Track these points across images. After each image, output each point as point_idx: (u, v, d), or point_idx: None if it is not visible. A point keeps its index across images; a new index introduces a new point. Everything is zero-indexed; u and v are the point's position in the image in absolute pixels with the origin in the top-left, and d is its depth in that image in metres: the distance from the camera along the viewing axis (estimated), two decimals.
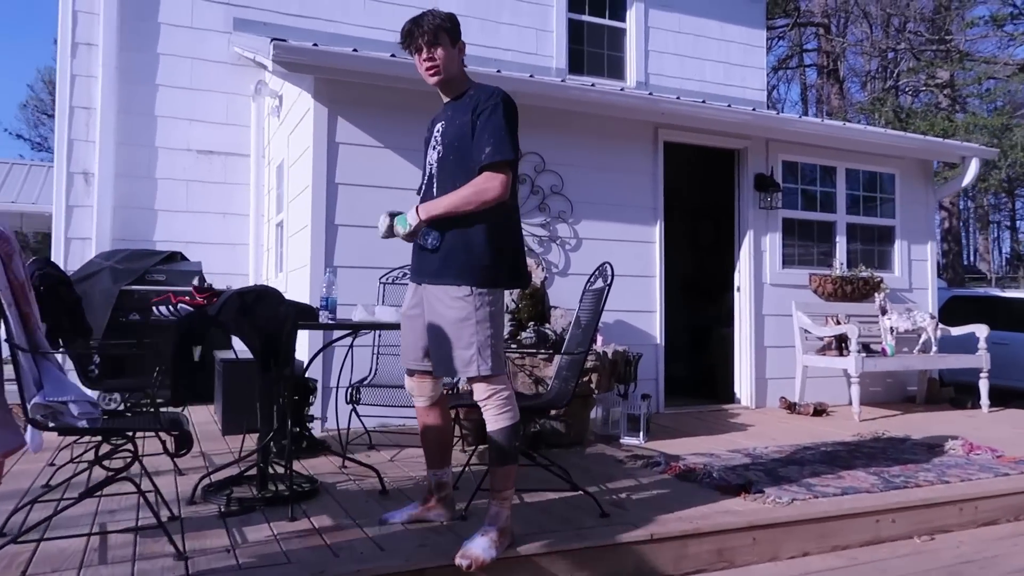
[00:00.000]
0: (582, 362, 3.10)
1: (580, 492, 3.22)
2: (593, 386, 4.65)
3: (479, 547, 2.54)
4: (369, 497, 3.34)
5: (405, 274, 4.45)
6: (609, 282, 3.12)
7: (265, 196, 7.06)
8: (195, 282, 6.30)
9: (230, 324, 2.69)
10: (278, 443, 3.76)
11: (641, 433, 4.86)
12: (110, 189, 6.63)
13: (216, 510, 3.08)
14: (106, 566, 2.43)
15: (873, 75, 23.71)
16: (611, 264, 3.20)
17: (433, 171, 2.78)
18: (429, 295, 2.74)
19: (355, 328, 3.07)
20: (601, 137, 5.91)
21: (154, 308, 2.91)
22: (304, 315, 3.01)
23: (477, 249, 2.65)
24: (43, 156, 26.06)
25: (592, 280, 3.42)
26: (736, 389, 6.48)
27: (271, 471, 3.29)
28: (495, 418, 2.67)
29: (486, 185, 2.62)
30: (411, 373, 2.89)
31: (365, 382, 4.15)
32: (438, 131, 2.81)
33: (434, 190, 2.76)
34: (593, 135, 5.88)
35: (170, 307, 2.83)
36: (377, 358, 4.33)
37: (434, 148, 2.81)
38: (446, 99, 2.86)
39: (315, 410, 4.64)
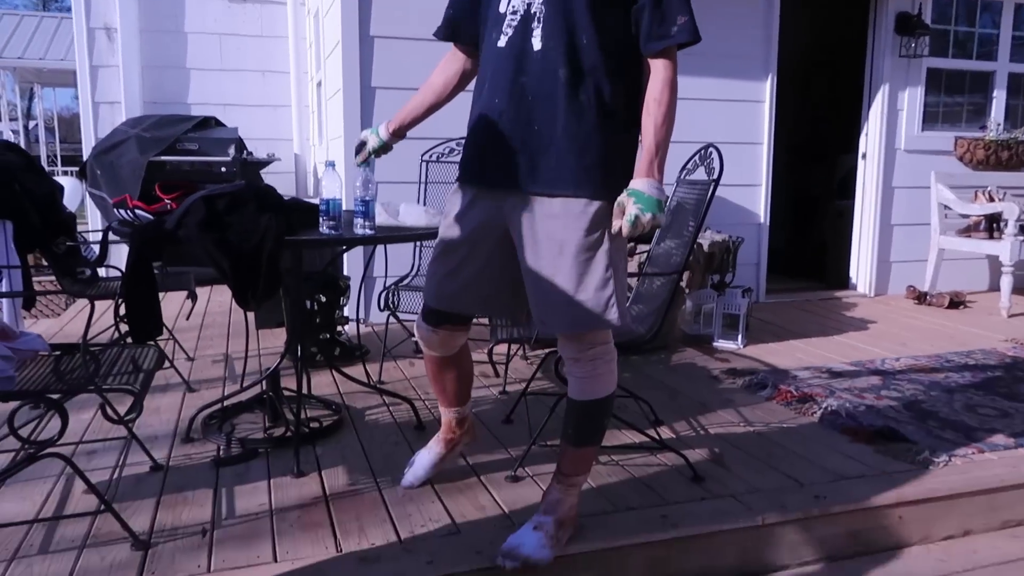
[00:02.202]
0: (676, 283, 2.28)
1: (667, 449, 2.49)
2: (684, 284, 3.84)
3: (530, 546, 1.86)
4: (401, 433, 2.73)
5: (453, 150, 3.62)
6: (716, 176, 2.22)
7: (307, 51, 6.19)
8: (231, 150, 5.67)
9: (194, 242, 1.97)
10: (307, 349, 3.16)
11: (740, 336, 4.05)
12: (136, 46, 5.90)
13: (214, 452, 2.52)
14: (45, 556, 1.88)
15: None
16: (717, 149, 2.29)
17: (538, 12, 1.76)
18: (535, 214, 1.82)
19: (365, 243, 2.32)
20: None
21: (114, 211, 2.20)
22: (300, 221, 2.25)
23: (607, 145, 1.83)
24: None
25: (690, 168, 2.52)
26: (852, 273, 5.50)
27: (291, 392, 2.66)
28: (591, 386, 1.89)
29: (673, 81, 1.82)
30: (438, 323, 2.04)
31: (404, 282, 3.44)
32: None
33: (533, 39, 1.76)
34: None
35: (128, 211, 2.12)
36: (421, 251, 3.60)
37: None
38: None
39: (352, 307, 4.02)
